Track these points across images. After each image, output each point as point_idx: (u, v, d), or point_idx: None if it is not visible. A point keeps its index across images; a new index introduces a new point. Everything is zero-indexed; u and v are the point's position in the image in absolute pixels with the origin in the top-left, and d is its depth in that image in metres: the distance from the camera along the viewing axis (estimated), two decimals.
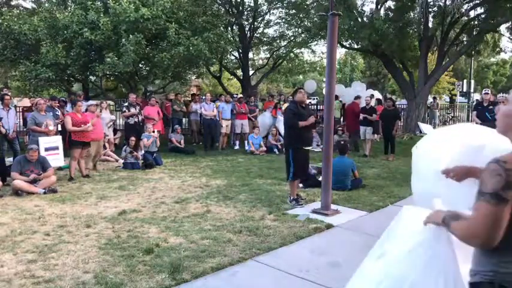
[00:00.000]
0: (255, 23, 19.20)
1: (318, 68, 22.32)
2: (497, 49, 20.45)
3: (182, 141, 12.24)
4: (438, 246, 1.83)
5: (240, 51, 19.02)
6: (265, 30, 20.46)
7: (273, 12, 19.31)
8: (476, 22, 15.91)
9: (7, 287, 3.61)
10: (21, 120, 12.84)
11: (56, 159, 7.99)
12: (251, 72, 21.11)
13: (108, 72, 12.22)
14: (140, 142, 10.20)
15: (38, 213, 5.83)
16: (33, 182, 7.01)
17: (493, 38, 19.05)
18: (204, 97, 13.29)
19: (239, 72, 20.93)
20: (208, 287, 3.69)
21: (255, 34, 19.71)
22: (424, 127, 14.33)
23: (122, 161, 9.79)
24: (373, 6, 16.51)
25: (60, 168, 8.69)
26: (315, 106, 20.32)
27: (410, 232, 1.97)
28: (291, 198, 6.38)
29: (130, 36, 10.89)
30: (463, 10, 15.18)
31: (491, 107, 8.40)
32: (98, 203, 6.45)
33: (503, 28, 16.85)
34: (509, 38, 17.42)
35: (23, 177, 6.97)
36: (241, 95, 15.44)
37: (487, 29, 15.03)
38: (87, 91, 15.62)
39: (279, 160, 9.70)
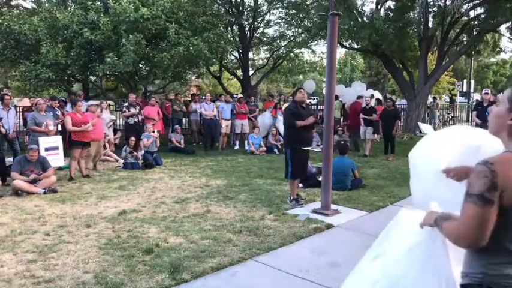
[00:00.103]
0: (255, 23, 19.20)
1: (318, 68, 22.32)
2: (497, 49, 20.45)
3: (182, 141, 12.24)
4: (433, 247, 1.85)
5: (240, 51, 19.01)
6: (265, 30, 20.48)
7: (273, 12, 19.33)
8: (476, 22, 15.91)
9: (7, 287, 3.61)
10: (21, 120, 12.84)
11: (56, 159, 7.99)
12: (251, 72, 21.11)
13: (108, 72, 12.22)
14: (140, 142, 10.20)
15: (38, 213, 5.83)
16: (33, 182, 7.01)
17: (493, 38, 19.04)
18: (204, 97, 13.30)
19: (239, 72, 20.93)
20: (208, 287, 3.69)
21: (255, 34, 19.71)
22: (424, 127, 14.34)
23: (121, 161, 9.79)
24: (373, 6, 16.53)
25: (60, 168, 8.69)
26: (315, 106, 20.34)
27: (406, 234, 1.98)
28: (291, 198, 6.38)
29: (130, 36, 10.89)
30: (463, 10, 15.18)
31: (491, 107, 8.41)
32: (98, 203, 6.45)
33: (503, 28, 16.87)
34: (509, 38, 17.42)
35: (23, 177, 6.98)
36: (241, 95, 15.44)
37: (487, 29, 15.03)
38: (87, 91, 15.62)
39: (279, 160, 9.70)
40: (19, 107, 14.21)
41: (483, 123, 7.95)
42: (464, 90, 27.93)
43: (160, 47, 11.91)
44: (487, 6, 14.55)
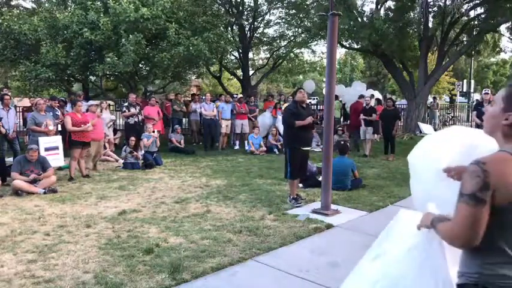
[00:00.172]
0: (255, 23, 19.20)
1: (318, 68, 22.33)
2: (497, 49, 20.43)
3: (182, 141, 12.24)
4: (430, 249, 1.86)
5: (240, 51, 19.01)
6: (265, 30, 20.48)
7: (273, 12, 19.33)
8: (476, 22, 15.90)
9: (7, 287, 3.61)
10: (21, 120, 12.84)
11: (56, 159, 7.99)
12: (251, 72, 21.10)
13: (108, 72, 12.22)
14: (140, 142, 10.21)
15: (38, 213, 5.83)
16: (33, 182, 7.01)
17: (493, 38, 19.03)
18: (204, 97, 13.30)
19: (239, 72, 20.93)
20: (208, 287, 3.69)
21: (255, 34, 19.71)
22: (424, 127, 14.35)
23: (121, 161, 9.80)
24: (373, 6, 16.52)
25: (60, 168, 8.69)
26: (315, 106, 20.33)
27: (405, 234, 1.99)
28: (291, 197, 6.39)
29: (130, 36, 10.89)
30: (463, 10, 15.17)
31: (486, 106, 8.41)
32: (98, 203, 6.45)
33: (503, 28, 16.85)
34: (509, 38, 17.41)
35: (23, 177, 6.98)
36: (241, 95, 15.44)
37: (487, 29, 15.01)
38: (87, 91, 15.62)
39: (279, 160, 9.70)
40: (19, 107, 14.21)
41: (483, 123, 7.94)
42: (464, 90, 27.93)
43: (160, 47, 11.91)
44: (487, 6, 14.55)
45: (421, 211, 1.99)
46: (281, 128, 11.33)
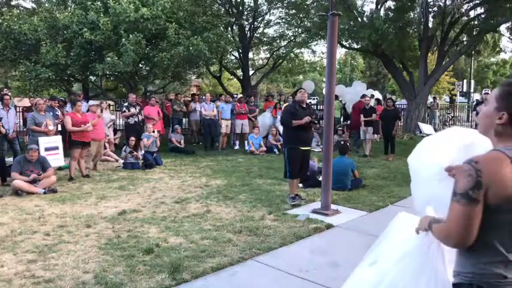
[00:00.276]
0: (255, 23, 19.20)
1: (318, 68, 22.33)
2: (497, 49, 20.42)
3: (182, 141, 12.24)
4: (428, 252, 1.86)
5: (240, 51, 19.01)
6: (265, 30, 20.49)
7: (273, 12, 19.34)
8: (476, 22, 15.89)
9: (7, 287, 3.61)
10: (21, 120, 12.85)
11: (56, 159, 7.99)
12: (251, 72, 21.10)
13: (108, 72, 12.21)
14: (140, 142, 10.21)
15: (38, 213, 5.83)
16: (33, 182, 7.01)
17: (493, 38, 19.02)
18: (204, 97, 13.30)
19: (239, 72, 20.93)
20: (208, 287, 3.69)
21: (255, 34, 19.71)
22: (424, 127, 14.34)
23: (121, 161, 9.80)
24: (373, 6, 16.52)
25: (60, 168, 8.69)
26: (315, 106, 20.33)
27: (403, 238, 1.99)
28: (289, 196, 6.41)
29: (130, 36, 10.89)
30: (463, 10, 15.17)
31: (480, 106, 8.42)
32: (98, 203, 6.45)
33: (503, 28, 16.84)
34: (509, 38, 17.39)
35: (23, 177, 6.98)
36: (241, 95, 15.44)
37: (487, 29, 15.00)
38: (87, 91, 15.62)
39: (279, 160, 9.70)
40: (19, 107, 14.21)
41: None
42: (464, 90, 27.93)
43: (160, 47, 11.91)
44: (487, 6, 14.55)
45: (421, 212, 1.99)
46: (281, 128, 11.33)
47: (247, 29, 19.20)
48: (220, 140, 12.67)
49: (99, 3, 11.43)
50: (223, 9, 17.63)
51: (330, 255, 4.41)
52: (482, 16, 15.40)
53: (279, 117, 12.32)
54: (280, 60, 20.15)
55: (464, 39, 17.08)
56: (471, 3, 15.05)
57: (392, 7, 15.78)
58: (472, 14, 15.78)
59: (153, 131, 10.15)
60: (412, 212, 2.17)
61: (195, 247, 4.53)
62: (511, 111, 1.60)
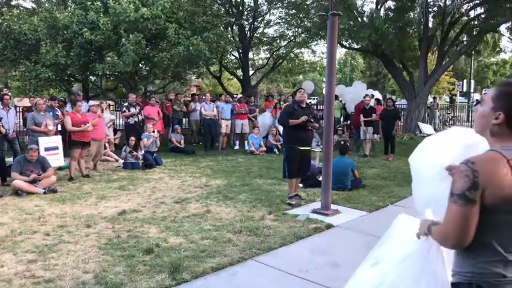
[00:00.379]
0: (255, 23, 19.20)
1: (318, 68, 22.33)
2: (497, 49, 20.43)
3: (182, 141, 12.24)
4: (428, 255, 1.87)
5: (240, 51, 19.01)
6: (265, 30, 20.49)
7: (273, 12, 19.34)
8: (476, 22, 15.89)
9: (7, 287, 3.60)
10: (21, 120, 12.85)
11: (56, 159, 7.99)
12: (251, 72, 21.10)
13: (108, 72, 12.21)
14: (140, 142, 10.21)
15: (38, 213, 5.83)
16: (33, 182, 7.01)
17: (493, 38, 19.03)
18: (204, 97, 13.30)
19: (239, 72, 20.93)
20: (208, 287, 3.68)
21: (255, 34, 19.71)
22: (424, 127, 14.34)
23: (121, 161, 9.80)
24: (373, 6, 16.52)
25: (60, 168, 8.69)
26: (315, 106, 20.34)
27: (404, 241, 2.00)
28: (288, 196, 6.42)
29: (130, 36, 10.89)
30: (463, 10, 15.17)
31: (476, 106, 8.42)
32: (98, 203, 6.45)
33: (503, 28, 16.84)
34: (509, 38, 17.39)
35: (23, 177, 6.97)
36: (241, 95, 15.44)
37: (487, 29, 15.01)
38: (87, 91, 15.62)
39: (279, 160, 9.69)
40: (19, 107, 14.21)
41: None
42: (464, 90, 27.92)
43: (160, 47, 11.91)
44: (487, 6, 14.54)
45: (422, 212, 1.99)
46: (281, 128, 11.34)
47: (247, 29, 19.20)
48: (220, 140, 12.67)
49: (99, 3, 11.43)
50: (223, 9, 17.63)
51: (330, 255, 4.41)
52: (482, 16, 15.40)
53: None
54: (280, 60, 20.15)
55: (464, 39, 17.08)
56: (471, 3, 15.05)
57: (392, 7, 15.79)
58: (472, 14, 15.80)
59: (153, 131, 10.15)
60: (412, 212, 2.17)
61: (195, 247, 4.53)
62: (508, 111, 1.59)
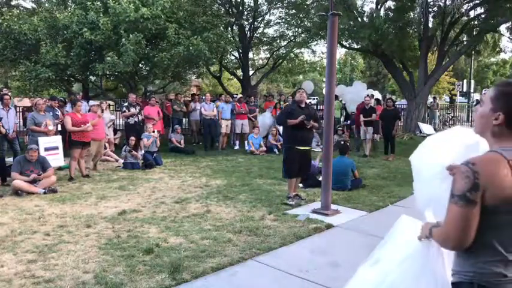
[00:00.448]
0: (255, 23, 19.19)
1: (318, 68, 22.33)
2: (497, 49, 20.43)
3: (182, 141, 12.24)
4: (429, 255, 1.87)
5: (240, 51, 19.01)
6: (265, 30, 20.48)
7: (273, 12, 19.33)
8: (476, 22, 15.89)
9: (7, 287, 3.60)
10: (21, 120, 12.84)
11: (56, 159, 7.99)
12: (251, 72, 21.10)
13: (108, 72, 12.21)
14: (140, 142, 10.21)
15: (38, 213, 5.83)
16: (33, 182, 7.01)
17: (493, 38, 19.03)
18: (204, 97, 13.30)
19: (239, 72, 20.93)
20: (208, 287, 3.68)
21: (255, 34, 19.70)
22: (424, 127, 14.35)
23: (121, 161, 9.79)
24: (373, 6, 16.52)
25: (60, 168, 8.69)
26: (315, 106, 20.34)
27: (406, 241, 2.01)
28: (287, 196, 6.43)
29: (130, 36, 10.89)
30: (463, 10, 15.17)
31: (476, 106, 8.42)
32: (98, 203, 6.45)
33: (503, 28, 16.84)
34: (509, 38, 17.40)
35: (23, 177, 6.97)
36: (241, 95, 15.44)
37: (487, 29, 15.01)
38: (87, 91, 15.63)
39: (279, 160, 9.66)
40: (19, 107, 14.21)
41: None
42: (464, 90, 27.92)
43: (160, 47, 11.91)
44: (487, 6, 14.55)
45: (423, 212, 1.99)
46: (281, 128, 11.35)
47: (247, 29, 19.19)
48: (220, 140, 12.67)
49: (99, 3, 11.42)
50: (223, 9, 17.62)
51: (330, 255, 4.41)
52: (482, 16, 15.40)
53: None
54: (280, 60, 20.15)
55: (464, 39, 17.08)
56: (471, 3, 15.05)
57: (392, 7, 15.79)
58: (472, 14, 15.81)
59: (153, 131, 10.15)
60: (413, 212, 2.17)
61: (195, 247, 4.53)
62: (507, 112, 1.59)
